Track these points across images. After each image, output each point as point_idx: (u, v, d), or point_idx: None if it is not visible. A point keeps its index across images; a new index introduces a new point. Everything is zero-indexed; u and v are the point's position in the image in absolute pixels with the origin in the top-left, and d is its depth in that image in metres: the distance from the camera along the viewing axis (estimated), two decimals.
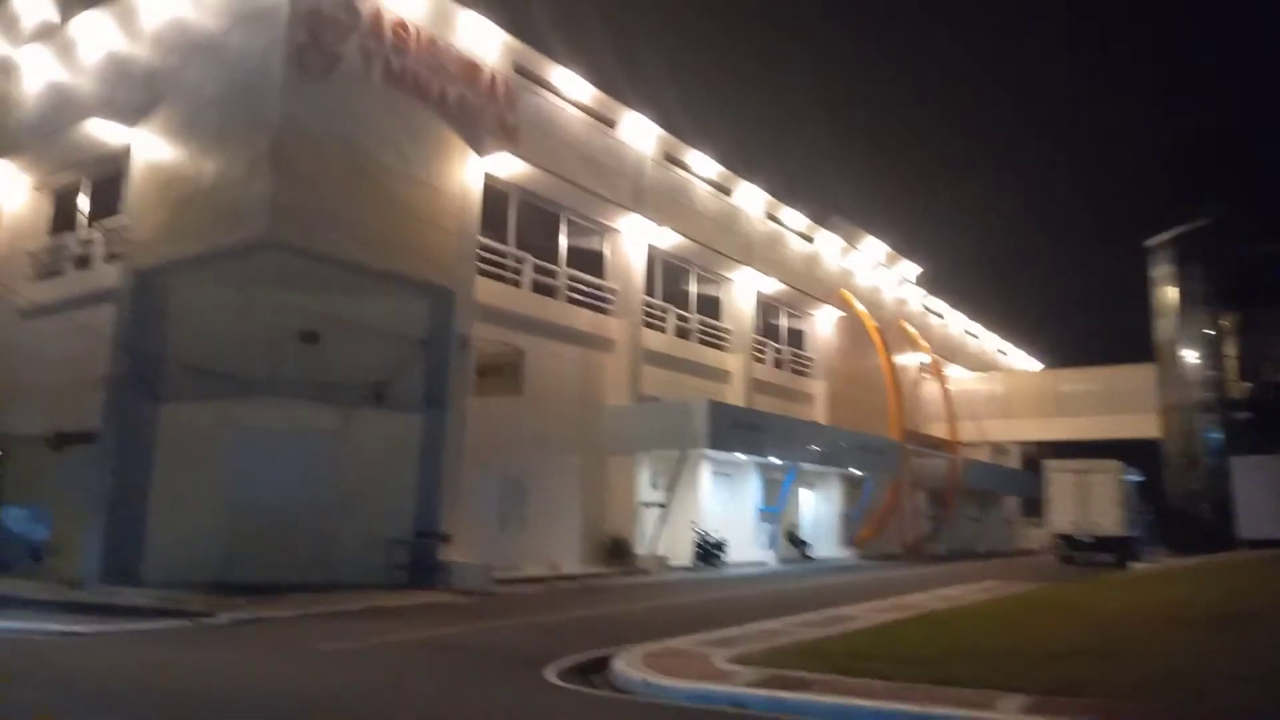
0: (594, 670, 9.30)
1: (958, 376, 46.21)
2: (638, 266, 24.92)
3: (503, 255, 21.34)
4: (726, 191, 29.27)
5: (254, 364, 17.67)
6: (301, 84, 16.34)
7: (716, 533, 25.26)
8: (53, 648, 11.30)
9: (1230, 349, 38.56)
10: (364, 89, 17.45)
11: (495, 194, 20.93)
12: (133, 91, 18.86)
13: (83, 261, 20.10)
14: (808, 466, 29.55)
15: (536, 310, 21.92)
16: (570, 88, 22.86)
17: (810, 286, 33.18)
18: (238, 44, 17.05)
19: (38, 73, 21.30)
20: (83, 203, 20.63)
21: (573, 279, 23.34)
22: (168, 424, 17.74)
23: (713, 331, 28.83)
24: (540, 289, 22.38)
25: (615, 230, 24.64)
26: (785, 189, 32.67)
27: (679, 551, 24.48)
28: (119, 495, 17.20)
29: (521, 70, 21.44)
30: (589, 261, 24.20)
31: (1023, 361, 57.13)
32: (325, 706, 7.80)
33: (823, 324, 34.69)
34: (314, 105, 16.56)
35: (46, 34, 21.32)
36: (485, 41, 20.29)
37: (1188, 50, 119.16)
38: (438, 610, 14.94)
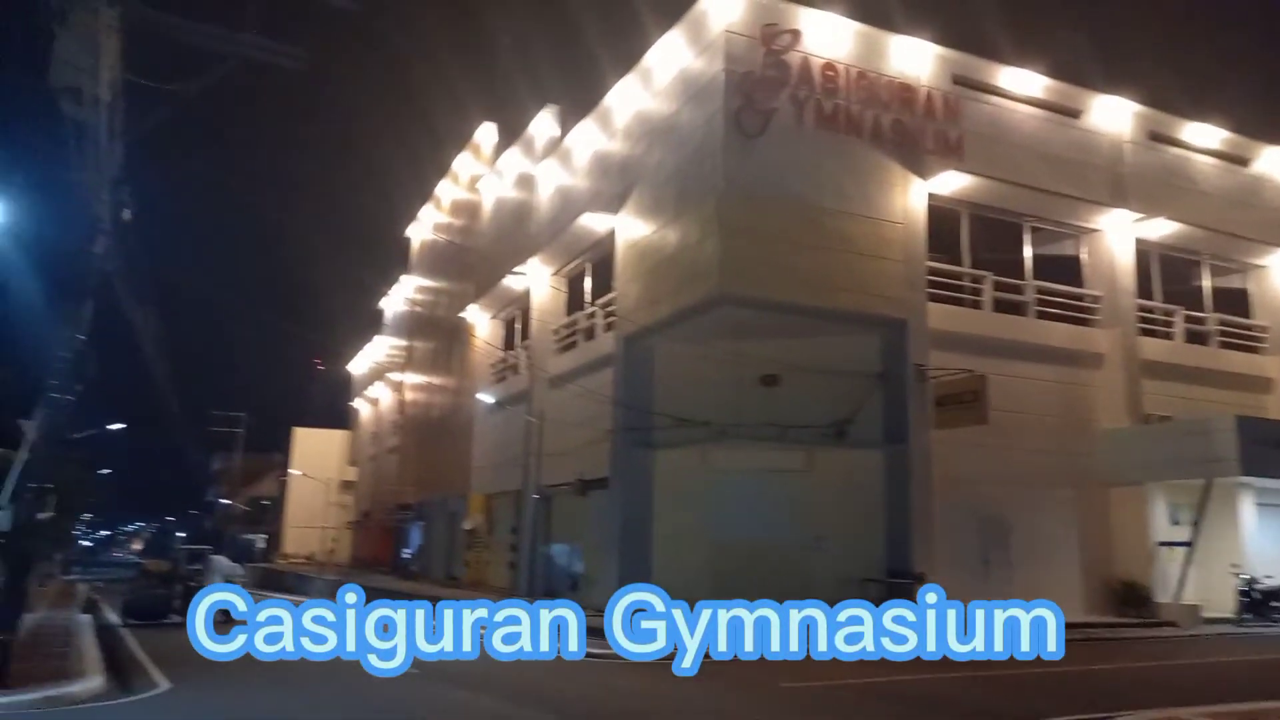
0: None
1: None
2: (1125, 266, 21.66)
3: (957, 277, 20.17)
4: (1243, 162, 24.14)
5: (724, 410, 19.07)
6: (740, 145, 17.51)
7: (1269, 578, 20.34)
8: (566, 667, 13.23)
9: None
10: (797, 137, 18.10)
11: (944, 214, 19.98)
12: (612, 182, 22.00)
13: (588, 334, 23.69)
14: None
15: (1001, 330, 20.19)
16: (1020, 86, 21.01)
17: None
18: (686, 121, 18.96)
19: (549, 181, 26.01)
20: (587, 284, 24.40)
21: (1043, 291, 21.10)
22: (660, 469, 19.90)
23: (1240, 331, 23.71)
24: (1005, 307, 20.62)
25: (1092, 230, 21.78)
26: None
27: (1216, 600, 20.19)
28: (628, 531, 19.63)
29: (961, 80, 20.32)
30: (1062, 270, 21.69)
31: None
32: None
33: None
34: (752, 161, 17.60)
35: (553, 148, 25.96)
36: (918, 61, 19.74)
37: None
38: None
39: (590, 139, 23.59)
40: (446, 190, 37.83)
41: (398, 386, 42.80)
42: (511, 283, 26.65)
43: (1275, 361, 23.72)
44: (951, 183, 19.44)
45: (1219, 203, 23.25)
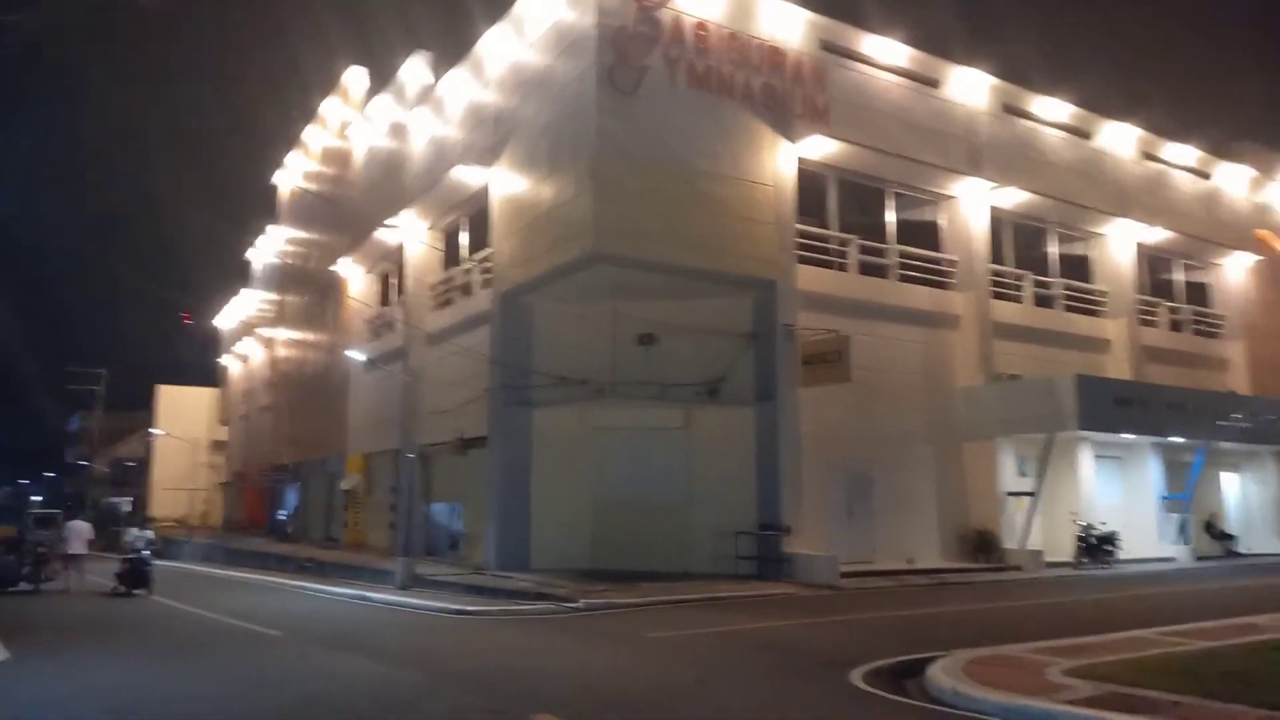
0: (911, 675, 8.59)
1: None
2: (980, 233, 22.76)
3: (825, 240, 20.76)
4: (1086, 135, 25.62)
5: (602, 369, 19.22)
6: (613, 102, 17.38)
7: (1103, 525, 22.10)
8: (445, 623, 13.38)
9: None
10: (671, 96, 18.08)
11: (812, 178, 20.45)
12: (487, 135, 21.52)
13: (465, 291, 23.28)
14: (1227, 445, 24.74)
15: (866, 293, 20.97)
16: (884, 54, 21.56)
17: (1211, 231, 27.83)
18: (560, 74, 18.65)
19: (422, 131, 25.20)
20: (464, 240, 23.90)
21: (904, 255, 21.97)
22: (539, 428, 19.90)
23: (1083, 296, 25.39)
24: (870, 270, 21.40)
25: (950, 197, 22.76)
26: (1167, 122, 27.69)
27: (1058, 546, 21.84)
28: (507, 491, 19.59)
29: (829, 46, 20.70)
30: (923, 235, 22.61)
31: None
32: (616, 693, 8.11)
33: (1233, 273, 28.90)
34: (626, 119, 17.52)
35: (425, 96, 25.12)
36: (787, 24, 19.95)
37: None
38: (773, 603, 14.95)
39: (463, 88, 22.93)
40: (315, 136, 36.02)
41: (269, 343, 41.10)
42: (385, 236, 25.85)
43: (1113, 324, 25.53)
44: (819, 147, 19.88)
45: (1065, 174, 24.64)
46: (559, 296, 19.44)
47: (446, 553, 22.64)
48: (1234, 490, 27.36)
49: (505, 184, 20.65)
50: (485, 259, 21.79)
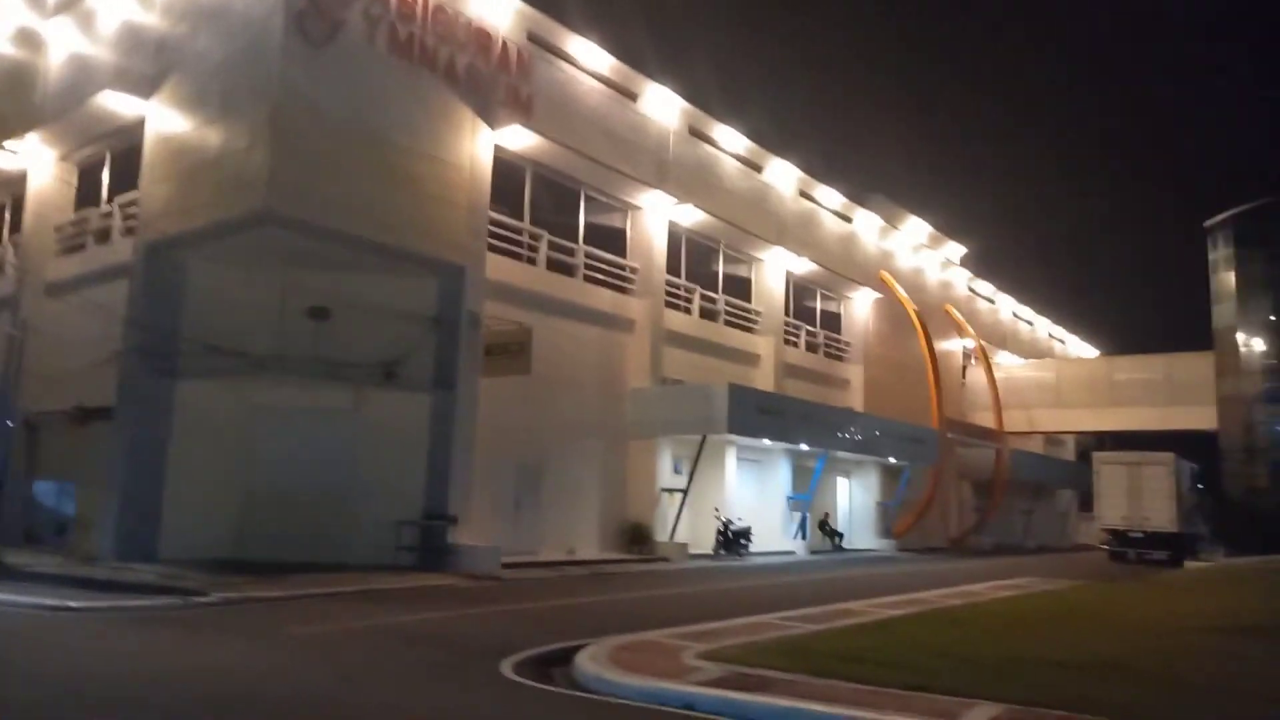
0: (560, 663, 8.74)
1: (1008, 364, 44.60)
2: (660, 245, 24.22)
3: (517, 232, 20.82)
4: (757, 168, 28.35)
5: (265, 341, 17.47)
6: (302, 51, 15.96)
7: (740, 520, 24.54)
8: (32, 623, 11.22)
9: None
10: (368, 58, 17.02)
11: (510, 168, 20.42)
12: (146, 62, 18.70)
13: (102, 236, 20.11)
14: (843, 454, 28.63)
15: (552, 289, 21.37)
16: (589, 58, 22.18)
17: (847, 268, 32.10)
18: (241, 9, 16.75)
19: (61, 45, 21.34)
20: (105, 177, 20.63)
21: (591, 257, 22.73)
22: (183, 401, 17.65)
23: (741, 313, 28.01)
24: (558, 267, 21.83)
25: (637, 207, 23.95)
26: (821, 166, 31.58)
27: (702, 539, 23.85)
28: (135, 471, 17.15)
29: (536, 39, 20.84)
30: (610, 239, 23.57)
31: (1079, 348, 55.02)
32: (246, 696, 7.36)
33: (860, 307, 33.59)
34: (315, 74, 16.18)
35: (69, 4, 21.33)
36: (497, 9, 19.73)
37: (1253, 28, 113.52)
38: (433, 594, 14.57)
39: (120, 4, 19.81)
40: None
41: None
42: (1, 160, 21.56)
43: (765, 341, 28.45)
44: (519, 138, 19.88)
45: (737, 200, 27.04)
46: (219, 256, 17.45)
47: (51, 540, 19.34)
48: (844, 494, 31.79)
49: (164, 121, 18.10)
50: (130, 203, 18.98)
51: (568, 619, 12.21)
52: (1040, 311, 50.95)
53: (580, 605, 13.88)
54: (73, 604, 12.27)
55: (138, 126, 18.70)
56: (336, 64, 16.49)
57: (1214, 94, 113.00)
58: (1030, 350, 48.58)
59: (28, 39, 22.53)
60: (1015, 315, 48.56)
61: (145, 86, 18.44)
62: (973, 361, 41.84)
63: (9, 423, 18.14)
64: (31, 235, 21.12)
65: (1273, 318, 36.27)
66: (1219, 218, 38.22)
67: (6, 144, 21.02)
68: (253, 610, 12.26)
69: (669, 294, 24.81)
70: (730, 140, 27.01)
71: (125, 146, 19.63)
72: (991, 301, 45.72)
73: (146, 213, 18.09)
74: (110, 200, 20.12)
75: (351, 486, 17.67)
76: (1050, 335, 52.64)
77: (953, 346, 40.24)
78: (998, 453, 38.86)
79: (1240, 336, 36.79)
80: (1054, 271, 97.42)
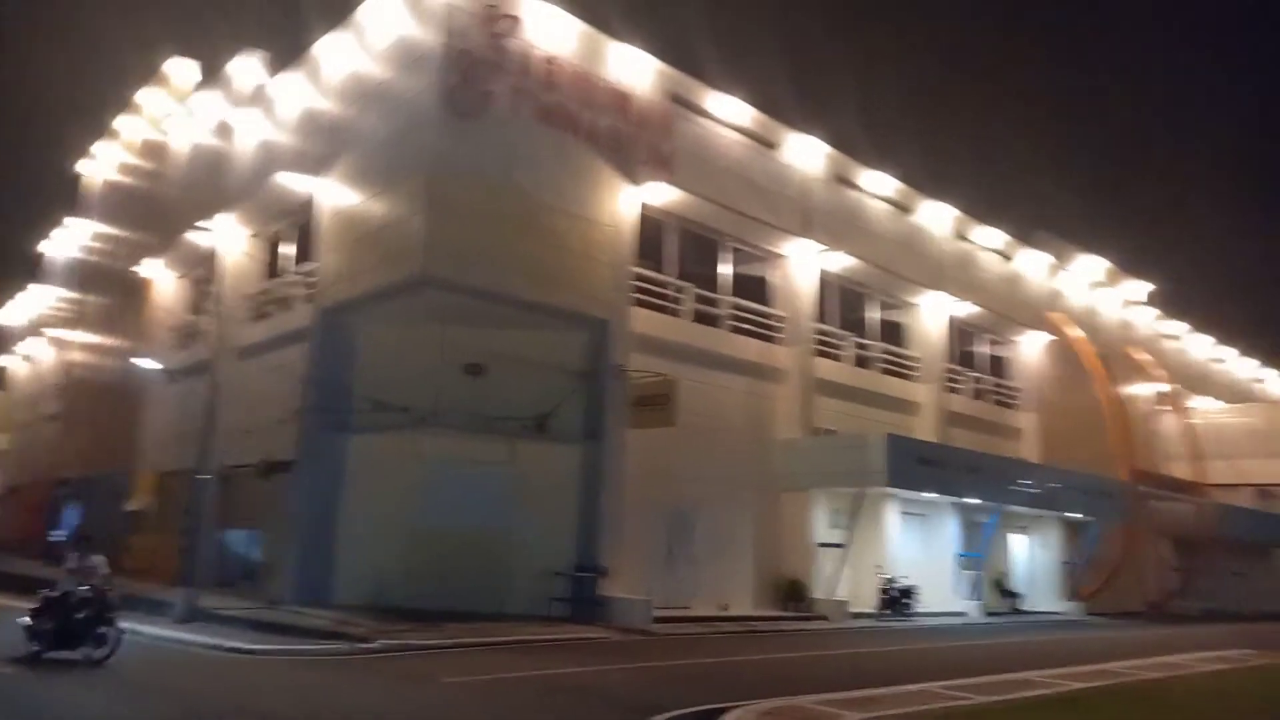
0: None
1: (1205, 409, 40.39)
2: (807, 292, 23.74)
3: (661, 285, 20.99)
4: (908, 210, 27.41)
5: (426, 396, 18.33)
6: (454, 124, 16.98)
7: (905, 578, 23.20)
8: (213, 663, 12.08)
9: None
10: (515, 126, 17.87)
11: (652, 223, 20.71)
12: (319, 143, 20.47)
13: (284, 304, 21.89)
14: (1017, 509, 26.63)
15: (697, 340, 21.31)
16: (728, 112, 22.29)
17: (1013, 310, 30.28)
18: (400, 90, 18.08)
19: (249, 133, 23.71)
20: (288, 252, 22.54)
21: (736, 307, 22.57)
22: (356, 454, 18.76)
23: (898, 360, 26.90)
24: (703, 318, 21.79)
25: (782, 256, 23.65)
26: (980, 206, 30.12)
27: (862, 597, 22.67)
28: (312, 520, 18.30)
29: (676, 98, 21.19)
30: (755, 289, 23.34)
31: None
32: None
33: (1029, 351, 31.51)
34: (466, 144, 17.12)
35: (255, 96, 23.71)
36: (637, 71, 20.26)
37: None
38: (584, 647, 14.58)
39: (297, 92, 21.76)
40: (129, 126, 33.09)
41: (61, 345, 37.23)
42: (199, 239, 23.99)
43: (924, 388, 27.15)
44: (661, 194, 20.19)
45: (887, 244, 26.19)
46: (384, 318, 18.59)
47: (241, 584, 20.83)
48: (1022, 551, 29.49)
49: (335, 196, 19.67)
50: (309, 273, 20.61)
51: (716, 678, 11.85)
52: (1245, 353, 46.00)
53: (731, 664, 13.45)
54: (253, 647, 13.16)
55: (311, 203, 20.42)
56: (485, 134, 17.40)
57: None
58: (1229, 394, 43.86)
59: (222, 130, 25.21)
60: (1215, 357, 44.10)
61: (319, 166, 20.15)
62: (1163, 407, 38.15)
63: (206, 476, 19.81)
64: (226, 305, 23.28)
65: None
66: None
67: (203, 223, 23.40)
68: (411, 658, 12.67)
69: (819, 342, 24.20)
70: (878, 184, 26.30)
71: (302, 222, 21.44)
72: (1179, 340, 41.77)
73: (321, 281, 19.58)
74: (292, 270, 21.91)
75: (507, 537, 18.12)
76: (1254, 378, 47.36)
77: (1141, 391, 36.91)
78: (1199, 507, 35.00)
79: None
80: (1256, 308, 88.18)
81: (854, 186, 25.82)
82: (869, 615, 22.14)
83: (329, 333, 19.20)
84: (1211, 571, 35.37)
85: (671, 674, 12.20)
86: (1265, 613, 36.67)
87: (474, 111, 17.17)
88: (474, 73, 17.25)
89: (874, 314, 26.65)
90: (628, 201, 19.52)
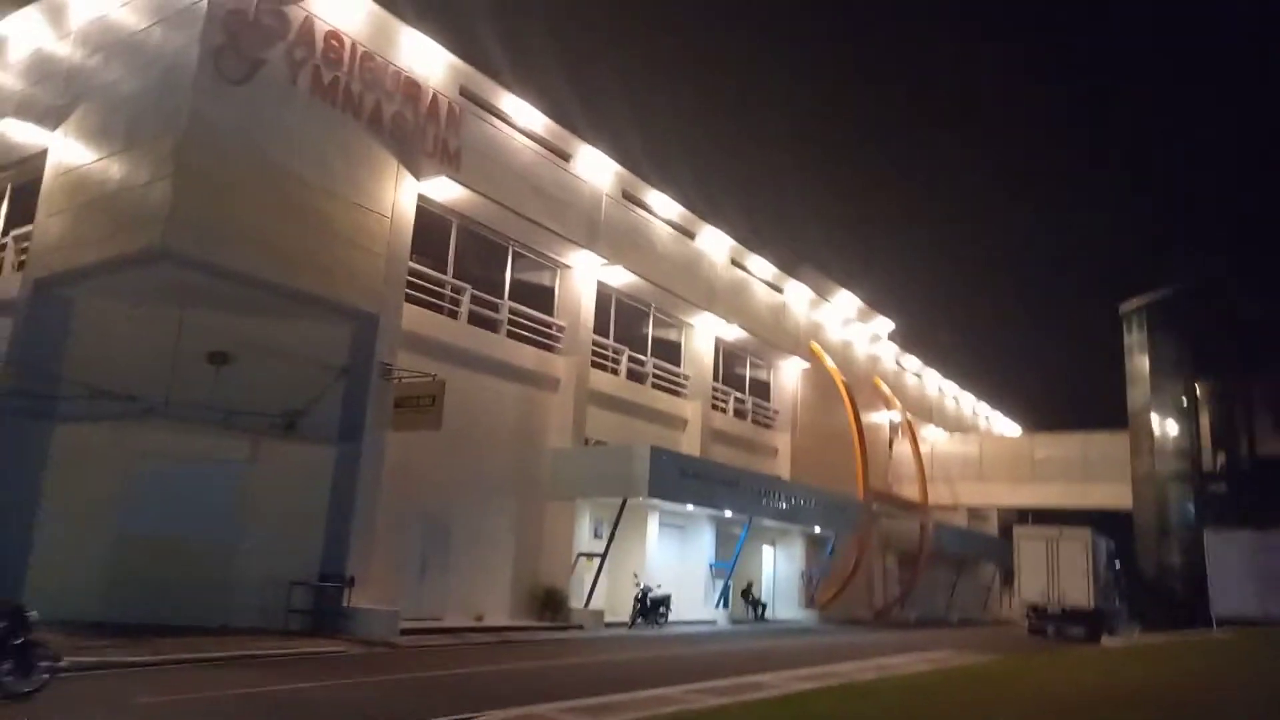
0: None
1: (933, 437, 45.16)
2: (588, 304, 23.94)
3: (439, 284, 20.35)
4: (689, 235, 28.47)
5: (157, 385, 16.46)
6: (217, 87, 15.48)
7: (659, 588, 23.84)
8: None
9: (1204, 419, 37.33)
10: (288, 99, 16.61)
11: (435, 220, 20.05)
12: (54, 92, 18.04)
13: None
14: (768, 522, 28.26)
15: (472, 343, 20.83)
16: (522, 117, 22.09)
17: (776, 336, 32.27)
18: (156, 43, 16.26)
19: None
20: (4, 209, 19.65)
21: (516, 313, 22.33)
22: (59, 446, 16.52)
23: (669, 377, 27.79)
24: (481, 322, 21.35)
25: (566, 266, 23.73)
26: (753, 236, 31.94)
27: (620, 607, 23.08)
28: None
29: (468, 94, 20.70)
30: (537, 296, 23.23)
31: (1002, 424, 56.14)
32: None
33: (789, 376, 33.71)
34: (229, 110, 15.68)
35: None
36: (430, 62, 19.58)
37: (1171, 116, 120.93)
38: (316, 661, 13.62)
39: (33, 32, 19.13)
40: None
41: None
42: None
43: (692, 405, 28.21)
44: (445, 190, 19.57)
45: (668, 264, 27.02)
46: (112, 294, 16.56)
47: None
48: (769, 562, 31.35)
49: (67, 153, 17.36)
50: (24, 236, 18.06)
51: (456, 689, 11.48)
52: (965, 387, 51.98)
53: (475, 675, 13.09)
54: None
55: (39, 159, 17.90)
56: (252, 103, 16.02)
57: (1134, 184, 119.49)
58: (956, 425, 49.38)
59: None
60: (941, 390, 49.43)
61: (51, 118, 17.73)
62: (899, 434, 42.22)
63: None
64: None
65: (1184, 402, 37.33)
66: (1132, 303, 39.49)
67: None
68: (107, 677, 11.20)
69: (596, 354, 24.47)
70: (663, 206, 27.10)
71: (25, 180, 18.79)
72: (919, 376, 46.48)
73: (38, 247, 17.21)
74: (4, 233, 19.14)
75: (239, 542, 16.58)
76: (975, 411, 53.66)
77: (880, 419, 40.60)
78: (922, 525, 39.00)
79: (1154, 418, 37.79)
80: (979, 349, 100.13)
81: (640, 205, 26.43)
82: (624, 624, 22.55)
83: (40, 307, 16.82)
84: (928, 583, 39.49)
85: (409, 686, 11.76)
86: (969, 620, 41.52)
87: (241, 77, 15.73)
88: (246, 35, 15.82)
89: (650, 331, 27.36)
90: (408, 194, 18.72)
